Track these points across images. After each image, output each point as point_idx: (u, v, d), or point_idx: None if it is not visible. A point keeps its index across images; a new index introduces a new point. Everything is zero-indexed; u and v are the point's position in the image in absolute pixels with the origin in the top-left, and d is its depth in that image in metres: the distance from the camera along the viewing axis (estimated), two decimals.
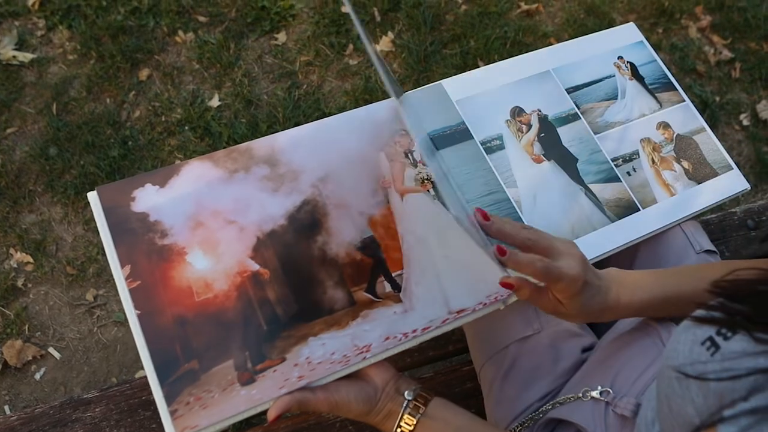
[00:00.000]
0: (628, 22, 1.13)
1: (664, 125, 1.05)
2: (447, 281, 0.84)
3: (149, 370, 0.74)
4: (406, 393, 0.76)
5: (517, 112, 1.00)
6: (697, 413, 0.53)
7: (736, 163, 2.17)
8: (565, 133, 1.00)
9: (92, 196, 0.82)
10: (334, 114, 2.12)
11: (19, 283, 1.89)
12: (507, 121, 0.99)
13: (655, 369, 0.78)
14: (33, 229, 1.97)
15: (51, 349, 1.83)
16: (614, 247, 0.93)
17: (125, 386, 1.14)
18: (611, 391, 0.80)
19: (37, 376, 1.80)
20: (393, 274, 0.84)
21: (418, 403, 0.75)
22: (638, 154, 1.01)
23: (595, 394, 0.80)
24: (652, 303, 0.80)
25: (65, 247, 1.96)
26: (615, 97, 1.05)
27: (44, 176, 2.04)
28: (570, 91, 1.03)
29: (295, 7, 2.39)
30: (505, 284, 0.76)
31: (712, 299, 0.59)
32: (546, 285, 0.75)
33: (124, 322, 1.86)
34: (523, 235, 0.75)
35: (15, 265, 1.92)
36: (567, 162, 0.98)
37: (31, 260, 1.92)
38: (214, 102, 2.18)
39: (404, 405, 0.75)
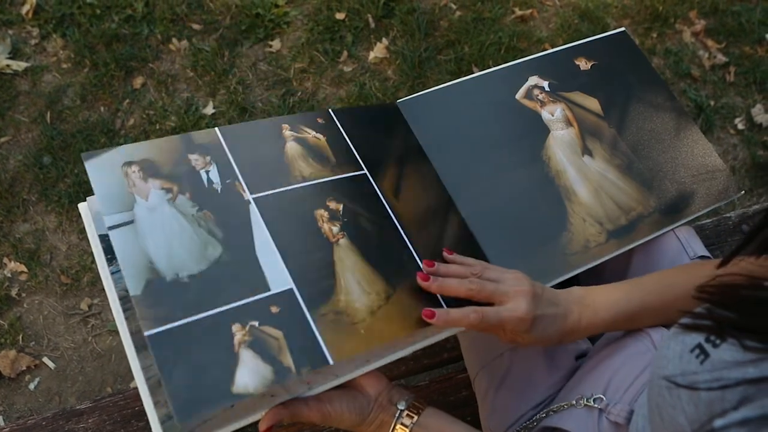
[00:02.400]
0: (622, 27, 1.13)
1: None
2: None
3: (140, 382, 0.73)
4: (398, 403, 0.76)
5: None
6: (688, 422, 0.52)
7: (731, 168, 2.19)
8: None
9: (83, 207, 0.81)
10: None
11: (13, 292, 1.89)
12: None
13: (648, 375, 0.78)
14: (27, 239, 1.96)
15: (45, 359, 1.83)
16: (606, 254, 0.92)
17: (118, 397, 1.14)
18: (604, 398, 0.79)
19: (32, 387, 1.79)
20: None
21: (410, 413, 0.75)
22: None
23: (588, 401, 0.80)
24: (618, 319, 0.81)
25: (59, 256, 1.95)
26: None
27: (38, 185, 2.03)
28: None
29: (290, 14, 2.39)
30: (427, 314, 0.76)
31: (697, 305, 0.59)
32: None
33: (118, 332, 1.85)
34: (464, 288, 0.76)
35: (9, 275, 1.91)
36: None
37: (25, 269, 1.91)
38: (209, 110, 2.18)
39: (397, 415, 0.75)
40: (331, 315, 0.73)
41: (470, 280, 0.77)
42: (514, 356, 0.93)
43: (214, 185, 0.79)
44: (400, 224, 0.84)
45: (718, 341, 0.53)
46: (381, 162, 0.90)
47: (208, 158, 0.81)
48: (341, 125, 0.91)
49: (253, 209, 0.79)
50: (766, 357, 0.49)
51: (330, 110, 0.92)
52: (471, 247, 0.88)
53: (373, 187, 0.86)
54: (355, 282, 0.77)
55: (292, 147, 0.87)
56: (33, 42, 2.29)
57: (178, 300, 0.70)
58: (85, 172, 1.99)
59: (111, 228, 0.73)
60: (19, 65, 2.23)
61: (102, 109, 2.18)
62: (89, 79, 2.21)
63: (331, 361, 0.70)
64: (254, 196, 0.80)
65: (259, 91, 2.25)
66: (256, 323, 0.70)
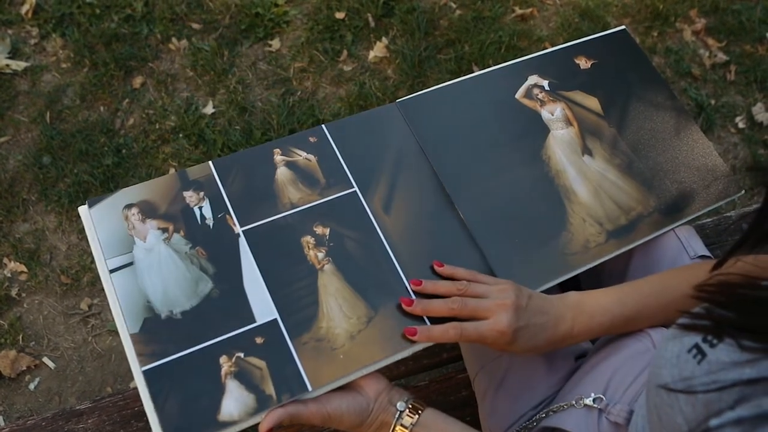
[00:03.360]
0: (622, 25, 1.12)
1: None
2: None
3: (140, 383, 0.73)
4: (398, 404, 0.76)
5: None
6: (686, 422, 0.52)
7: (732, 167, 2.18)
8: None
9: (83, 211, 0.83)
10: (329, 120, 2.12)
11: (13, 292, 1.89)
12: None
13: (648, 371, 0.78)
14: (27, 239, 1.96)
15: (45, 359, 1.82)
16: (606, 254, 0.92)
17: (118, 397, 1.13)
18: (604, 398, 0.79)
19: (32, 387, 1.79)
20: None
21: (410, 414, 0.75)
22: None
23: (588, 401, 0.80)
24: (614, 323, 0.81)
25: (59, 256, 1.95)
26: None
27: (38, 185, 2.03)
28: None
29: (289, 13, 2.39)
30: (410, 331, 0.78)
31: (695, 305, 0.58)
32: None
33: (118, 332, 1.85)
34: (446, 308, 0.78)
35: (9, 275, 1.91)
36: None
37: (25, 269, 1.91)
38: (209, 109, 2.18)
39: (397, 416, 0.75)
40: (312, 342, 0.77)
41: (453, 300, 0.78)
42: (513, 357, 0.93)
43: (206, 221, 0.83)
44: (388, 242, 0.85)
45: (715, 341, 0.53)
46: (374, 174, 0.91)
47: (202, 194, 0.85)
48: (334, 141, 0.92)
49: (242, 242, 0.82)
50: (762, 357, 0.49)
51: (323, 127, 0.93)
52: (470, 248, 0.87)
53: (363, 204, 0.88)
54: (338, 307, 0.80)
55: (282, 173, 0.89)
56: (32, 42, 2.29)
57: (171, 336, 0.75)
58: (84, 171, 2.00)
59: (113, 271, 0.79)
60: (18, 65, 2.23)
61: (101, 108, 2.18)
62: (89, 79, 2.21)
63: (310, 388, 0.74)
64: (244, 228, 0.83)
65: (259, 90, 2.25)
66: (242, 354, 0.75)
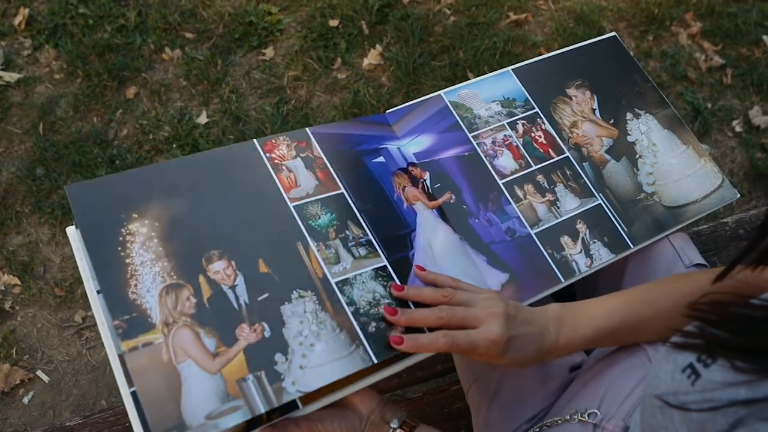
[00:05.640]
0: (618, 30, 1.11)
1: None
2: None
3: (128, 403, 0.72)
4: (391, 421, 0.74)
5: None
6: None
7: (729, 171, 2.17)
8: None
9: (71, 232, 0.80)
10: None
11: (7, 305, 1.87)
12: None
13: (643, 390, 0.77)
14: (20, 251, 1.95)
15: (39, 372, 1.81)
16: (601, 261, 0.91)
17: (109, 413, 1.12)
18: (599, 413, 0.78)
19: (26, 400, 1.77)
20: None
21: (403, 431, 0.74)
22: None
23: (582, 416, 0.78)
24: (599, 335, 0.78)
25: (53, 268, 1.94)
26: None
27: (31, 197, 2.02)
28: None
29: (283, 21, 2.38)
30: (395, 340, 0.74)
31: (685, 322, 0.57)
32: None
33: None
34: (434, 317, 0.74)
35: (2, 288, 1.89)
36: None
37: (19, 282, 1.90)
38: (202, 119, 2.17)
39: None
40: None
41: (440, 308, 0.75)
42: (507, 369, 0.92)
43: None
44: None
45: (709, 361, 0.52)
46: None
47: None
48: None
49: None
50: (756, 378, 0.47)
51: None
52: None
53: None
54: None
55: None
56: (25, 53, 2.28)
57: None
58: (77, 182, 1.98)
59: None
60: (11, 76, 2.22)
61: (95, 119, 2.17)
62: (82, 90, 2.20)
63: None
64: None
65: (253, 99, 2.24)
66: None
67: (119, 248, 0.77)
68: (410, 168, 0.92)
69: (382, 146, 0.93)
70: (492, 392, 0.92)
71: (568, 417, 0.80)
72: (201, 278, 0.76)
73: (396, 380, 1.14)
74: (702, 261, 0.97)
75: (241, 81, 2.27)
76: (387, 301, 0.79)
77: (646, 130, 1.04)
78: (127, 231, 0.78)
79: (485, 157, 0.95)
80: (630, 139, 1.02)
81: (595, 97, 1.04)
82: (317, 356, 0.74)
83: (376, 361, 0.74)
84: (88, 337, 1.86)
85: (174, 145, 2.11)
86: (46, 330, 1.86)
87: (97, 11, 2.34)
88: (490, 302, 0.75)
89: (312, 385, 0.72)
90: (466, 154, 0.95)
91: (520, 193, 0.93)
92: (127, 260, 0.76)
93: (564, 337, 0.77)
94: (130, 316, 0.73)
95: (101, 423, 1.11)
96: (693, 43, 2.45)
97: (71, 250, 1.96)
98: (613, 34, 1.11)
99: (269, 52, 2.32)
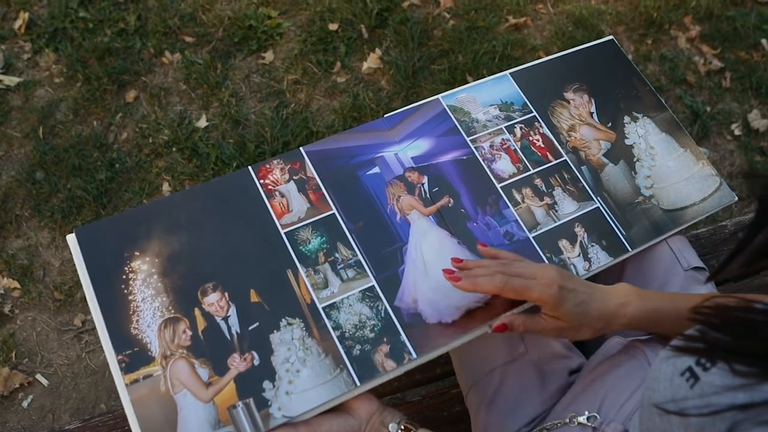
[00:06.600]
0: (617, 33, 1.12)
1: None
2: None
3: (128, 409, 0.73)
4: (390, 425, 0.75)
5: None
6: None
7: (728, 174, 2.17)
8: None
9: (71, 239, 0.82)
10: (322, 133, 2.10)
11: (6, 309, 1.87)
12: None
13: (642, 393, 0.77)
14: (20, 255, 1.95)
15: (39, 376, 1.81)
16: (599, 265, 0.91)
17: (108, 416, 1.12)
18: (598, 416, 0.78)
19: (25, 404, 1.77)
20: None
21: None
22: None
23: (581, 419, 0.79)
24: (664, 309, 0.80)
25: (53, 272, 1.94)
26: None
27: (31, 201, 2.02)
28: None
29: (283, 25, 2.38)
30: (498, 328, 0.78)
31: (690, 326, 0.57)
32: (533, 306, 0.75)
33: None
34: (492, 285, 0.75)
35: (2, 291, 1.89)
36: None
37: (18, 286, 1.90)
38: (202, 123, 2.17)
39: None
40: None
41: (499, 277, 0.75)
42: (505, 372, 0.92)
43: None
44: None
45: (708, 365, 0.52)
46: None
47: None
48: None
49: None
50: (755, 382, 0.47)
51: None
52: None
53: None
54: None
55: None
56: (25, 57, 2.29)
57: None
58: (78, 186, 1.98)
59: None
60: (11, 80, 2.22)
61: (95, 123, 2.17)
62: (82, 94, 2.20)
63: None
64: None
65: (253, 103, 2.24)
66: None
67: (123, 286, 0.79)
68: (407, 173, 0.92)
69: (378, 155, 0.93)
70: (490, 396, 0.92)
71: (568, 420, 0.80)
72: (196, 311, 0.79)
73: (395, 383, 1.14)
74: (701, 264, 0.97)
75: (240, 85, 2.27)
76: (373, 322, 0.81)
77: (643, 133, 1.04)
78: (130, 269, 0.80)
79: (483, 160, 0.96)
80: (628, 142, 1.03)
81: (593, 101, 1.05)
82: (303, 382, 0.76)
83: (359, 384, 0.76)
84: (87, 341, 1.86)
85: (173, 149, 2.11)
86: (46, 333, 1.86)
87: (96, 15, 2.35)
88: (544, 268, 0.77)
89: (297, 410, 0.74)
90: (464, 157, 0.96)
91: (518, 196, 0.94)
92: (130, 297, 0.79)
93: (633, 305, 0.78)
94: (132, 351, 0.75)
95: (101, 426, 1.11)
96: (692, 46, 2.45)
97: (70, 254, 1.96)
98: (610, 37, 1.11)
99: (269, 55, 2.32)
